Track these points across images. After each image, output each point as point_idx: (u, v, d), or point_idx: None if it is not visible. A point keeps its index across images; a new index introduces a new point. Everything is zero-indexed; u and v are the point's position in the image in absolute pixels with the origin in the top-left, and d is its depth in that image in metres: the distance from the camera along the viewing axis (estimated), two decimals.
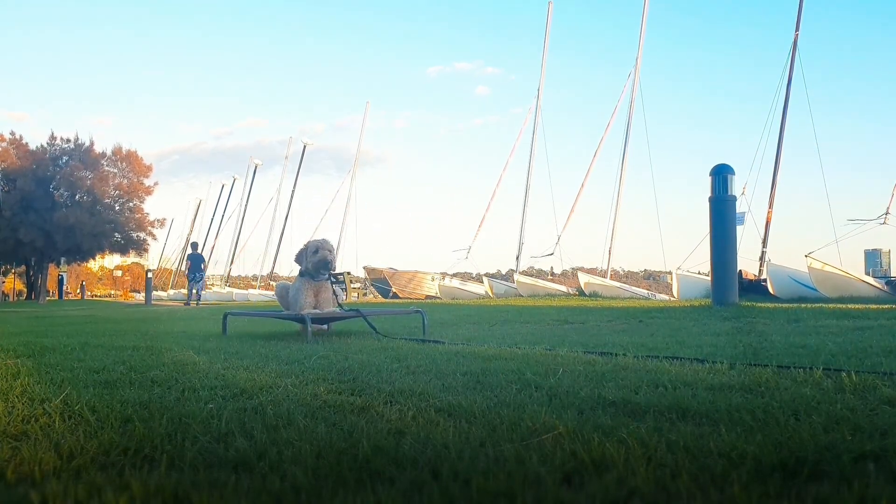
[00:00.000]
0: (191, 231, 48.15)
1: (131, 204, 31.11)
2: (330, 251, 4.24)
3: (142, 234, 31.64)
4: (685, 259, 15.69)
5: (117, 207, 30.80)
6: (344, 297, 5.20)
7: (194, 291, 17.22)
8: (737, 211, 7.12)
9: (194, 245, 18.54)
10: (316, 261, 4.21)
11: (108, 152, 30.78)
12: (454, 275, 24.98)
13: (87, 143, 30.40)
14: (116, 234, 30.97)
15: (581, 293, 17.14)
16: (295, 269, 4.70)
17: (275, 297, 5.05)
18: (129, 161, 30.94)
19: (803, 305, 6.57)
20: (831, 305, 6.65)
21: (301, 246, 4.36)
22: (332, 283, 4.43)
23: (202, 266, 18.13)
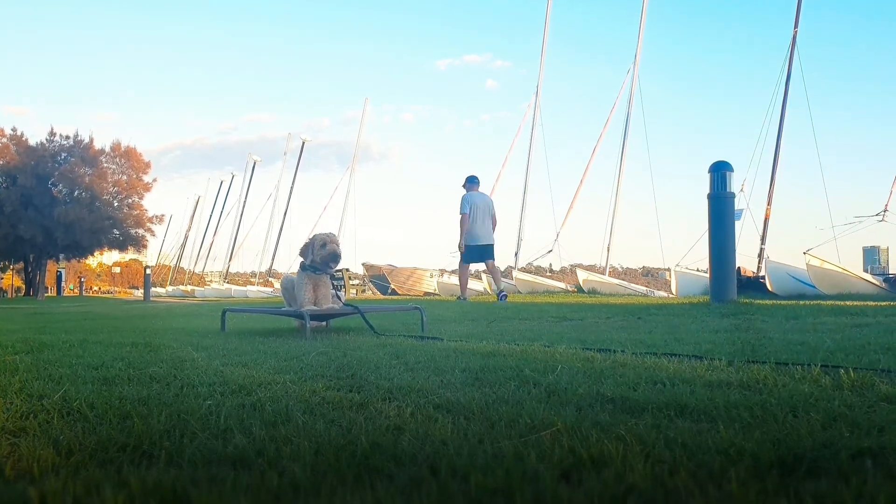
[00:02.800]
0: (189, 227, 48.24)
1: (130, 200, 31.12)
2: (338, 244, 4.26)
3: (140, 231, 31.65)
4: (683, 256, 15.66)
5: (116, 204, 30.79)
6: (343, 295, 5.22)
7: None
8: (735, 208, 7.11)
9: None
10: (325, 254, 4.22)
11: (107, 148, 30.76)
12: (453, 272, 24.97)
13: (87, 140, 30.38)
14: (115, 231, 30.97)
15: (579, 290, 17.15)
16: (295, 265, 4.70)
17: (273, 293, 5.10)
18: (127, 157, 30.92)
19: (801, 302, 6.58)
20: (829, 302, 6.66)
21: (307, 240, 4.39)
22: (333, 279, 4.45)
23: None
